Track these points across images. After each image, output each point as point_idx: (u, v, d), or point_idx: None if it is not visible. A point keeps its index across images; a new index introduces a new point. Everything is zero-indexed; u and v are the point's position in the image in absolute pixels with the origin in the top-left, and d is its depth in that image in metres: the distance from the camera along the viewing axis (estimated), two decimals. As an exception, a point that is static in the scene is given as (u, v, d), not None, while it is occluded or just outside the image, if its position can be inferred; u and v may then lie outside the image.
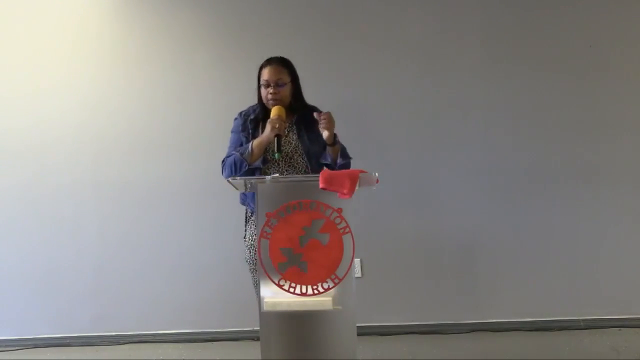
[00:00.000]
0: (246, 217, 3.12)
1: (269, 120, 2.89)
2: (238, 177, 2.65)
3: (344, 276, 2.51)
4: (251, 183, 2.59)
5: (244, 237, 3.09)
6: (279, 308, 2.51)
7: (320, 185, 2.49)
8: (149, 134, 3.99)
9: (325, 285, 2.51)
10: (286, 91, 3.01)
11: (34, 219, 3.99)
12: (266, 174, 2.95)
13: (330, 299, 2.51)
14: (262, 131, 2.97)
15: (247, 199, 3.03)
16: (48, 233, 3.98)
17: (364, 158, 3.53)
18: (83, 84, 3.99)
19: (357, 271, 3.84)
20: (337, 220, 2.51)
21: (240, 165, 2.90)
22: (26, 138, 3.99)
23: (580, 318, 3.90)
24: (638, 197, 3.94)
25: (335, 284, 2.51)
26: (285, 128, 2.93)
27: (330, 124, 2.86)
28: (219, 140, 3.88)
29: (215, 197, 3.85)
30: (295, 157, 3.01)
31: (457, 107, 3.94)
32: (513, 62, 3.95)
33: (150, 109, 4.00)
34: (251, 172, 2.95)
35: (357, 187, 2.55)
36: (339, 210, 2.51)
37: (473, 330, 3.89)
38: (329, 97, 3.39)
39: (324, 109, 3.00)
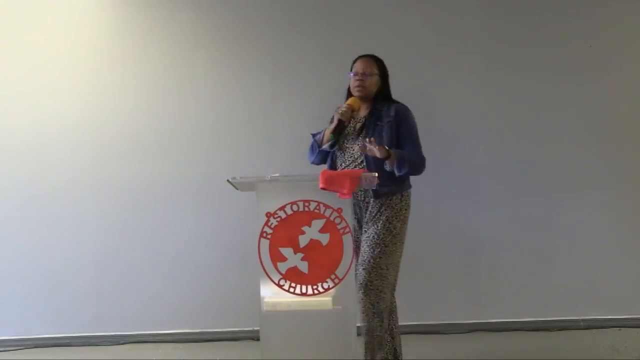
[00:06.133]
0: None
1: (338, 106, 2.96)
2: (238, 177, 2.64)
3: (344, 276, 2.51)
4: None
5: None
6: (279, 308, 2.52)
7: (320, 185, 2.49)
8: (148, 133, 3.98)
9: (325, 285, 2.51)
10: (372, 81, 3.03)
11: (32, 219, 3.97)
12: (335, 156, 3.03)
13: (330, 299, 2.51)
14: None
15: None
16: (47, 233, 3.97)
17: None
18: (82, 84, 3.98)
19: (357, 271, 3.83)
20: (337, 220, 2.51)
21: (312, 148, 3.07)
22: (24, 137, 3.97)
23: (580, 318, 3.90)
24: (638, 198, 3.94)
25: (335, 284, 2.51)
26: (351, 116, 2.96)
27: (372, 153, 2.79)
28: (218, 140, 3.91)
29: (215, 196, 3.85)
30: (355, 149, 2.96)
31: (457, 106, 3.94)
32: (513, 62, 3.94)
33: (149, 108, 3.99)
34: (324, 154, 3.07)
35: (357, 187, 2.55)
36: (339, 210, 2.51)
37: (473, 330, 3.88)
38: (328, 96, 3.38)
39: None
